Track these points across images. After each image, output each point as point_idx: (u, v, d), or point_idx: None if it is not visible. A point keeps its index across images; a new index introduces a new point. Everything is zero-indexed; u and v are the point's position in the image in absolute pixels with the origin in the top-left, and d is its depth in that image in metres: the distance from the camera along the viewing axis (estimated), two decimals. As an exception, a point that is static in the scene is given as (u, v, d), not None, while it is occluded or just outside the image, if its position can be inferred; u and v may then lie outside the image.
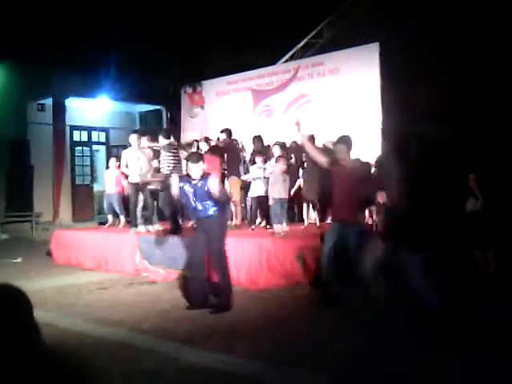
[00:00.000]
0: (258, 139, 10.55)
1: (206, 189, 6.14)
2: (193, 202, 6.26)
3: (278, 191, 8.96)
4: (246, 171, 10.30)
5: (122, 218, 10.93)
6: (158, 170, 9.58)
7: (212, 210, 6.21)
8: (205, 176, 6.24)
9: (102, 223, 12.07)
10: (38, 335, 1.42)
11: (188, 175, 6.34)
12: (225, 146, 10.31)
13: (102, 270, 9.23)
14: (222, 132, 10.67)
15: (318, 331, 5.31)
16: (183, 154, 9.33)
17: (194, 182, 6.23)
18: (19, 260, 10.21)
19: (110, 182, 11.30)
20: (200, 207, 6.23)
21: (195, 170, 6.19)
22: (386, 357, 4.42)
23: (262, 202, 9.62)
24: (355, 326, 5.45)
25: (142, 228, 9.63)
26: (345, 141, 6.34)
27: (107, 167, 12.02)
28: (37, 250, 11.71)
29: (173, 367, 4.30)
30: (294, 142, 10.70)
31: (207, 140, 10.72)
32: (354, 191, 6.10)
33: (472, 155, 9.06)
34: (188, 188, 6.27)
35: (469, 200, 8.14)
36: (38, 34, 13.67)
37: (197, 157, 6.39)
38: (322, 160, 6.63)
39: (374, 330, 5.24)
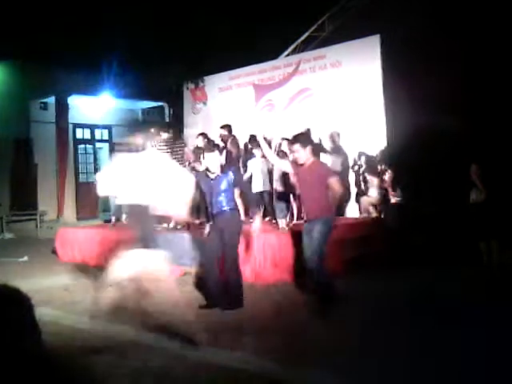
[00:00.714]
0: (254, 139, 10.49)
1: (225, 183, 6.12)
2: (209, 197, 6.23)
3: (283, 186, 8.95)
4: (244, 166, 10.24)
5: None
6: None
7: (228, 206, 6.13)
8: (225, 169, 6.25)
9: (107, 221, 12.08)
10: (36, 336, 1.36)
11: (206, 169, 6.31)
12: (225, 142, 10.27)
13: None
14: (222, 128, 10.62)
15: (326, 326, 5.30)
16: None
17: (212, 176, 6.21)
18: (25, 259, 10.22)
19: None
20: (216, 202, 6.16)
21: (213, 162, 6.20)
22: (395, 352, 4.42)
23: (264, 197, 9.61)
24: (363, 320, 5.45)
25: None
26: (299, 140, 6.24)
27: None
28: (42, 248, 11.72)
29: (182, 365, 4.30)
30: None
31: (206, 137, 10.48)
32: (314, 189, 5.98)
33: (475, 146, 9.04)
34: (205, 182, 6.26)
35: (472, 191, 8.12)
36: (39, 33, 13.65)
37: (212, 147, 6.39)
38: (285, 165, 6.74)
39: (381, 326, 5.25)
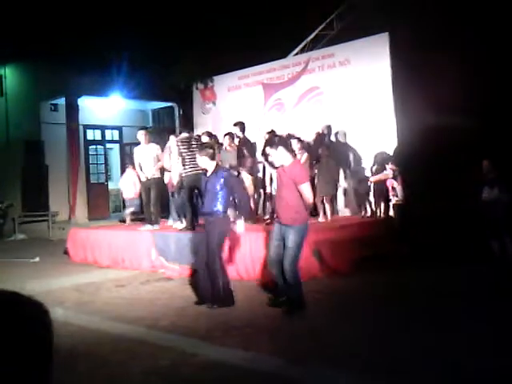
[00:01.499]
0: (272, 134, 10.46)
1: (217, 184, 6.16)
2: (202, 198, 6.38)
3: None
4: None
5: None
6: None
7: (217, 207, 6.18)
8: (218, 170, 6.28)
9: (122, 221, 12.15)
10: (49, 363, 1.08)
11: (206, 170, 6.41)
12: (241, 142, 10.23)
13: (119, 268, 9.30)
14: (235, 125, 10.40)
15: (335, 325, 5.31)
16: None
17: (207, 176, 6.31)
18: (37, 259, 10.30)
19: (127, 187, 11.50)
20: (206, 202, 6.27)
21: (205, 163, 6.30)
22: (405, 350, 4.42)
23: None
24: (372, 319, 5.45)
25: (150, 226, 9.69)
26: (275, 144, 6.21)
27: (122, 172, 12.02)
28: (54, 249, 11.82)
29: (191, 363, 4.32)
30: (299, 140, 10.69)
31: (210, 135, 10.27)
32: (288, 192, 5.86)
33: (487, 144, 8.99)
34: (203, 181, 6.38)
35: (484, 188, 8.07)
36: (50, 35, 13.75)
37: (203, 149, 6.43)
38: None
39: (390, 323, 5.25)
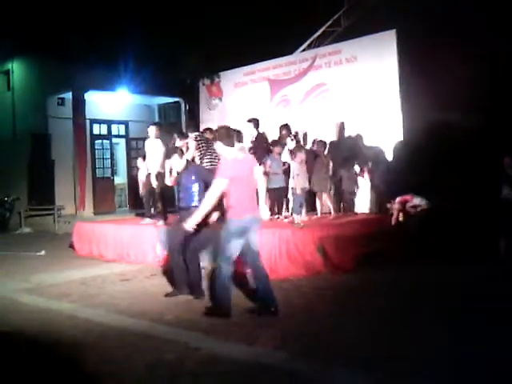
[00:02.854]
0: (285, 128, 10.46)
1: (190, 179, 6.35)
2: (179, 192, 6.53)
3: (303, 181, 8.96)
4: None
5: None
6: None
7: (192, 202, 6.32)
8: (189, 166, 6.56)
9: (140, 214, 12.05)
10: None
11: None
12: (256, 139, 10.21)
13: (124, 262, 9.33)
14: (248, 122, 10.24)
15: (339, 320, 5.32)
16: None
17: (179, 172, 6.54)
18: (43, 253, 10.35)
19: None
20: (184, 197, 6.42)
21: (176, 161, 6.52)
22: (408, 347, 4.43)
23: (282, 193, 9.64)
24: (375, 315, 5.46)
25: (149, 220, 9.91)
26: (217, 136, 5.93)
27: (128, 167, 11.91)
28: (59, 242, 11.88)
29: (195, 357, 4.34)
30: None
31: (211, 131, 10.32)
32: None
33: (496, 141, 8.95)
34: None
35: (504, 186, 8.00)
36: (56, 29, 13.78)
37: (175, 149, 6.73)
38: None
39: (393, 320, 5.26)
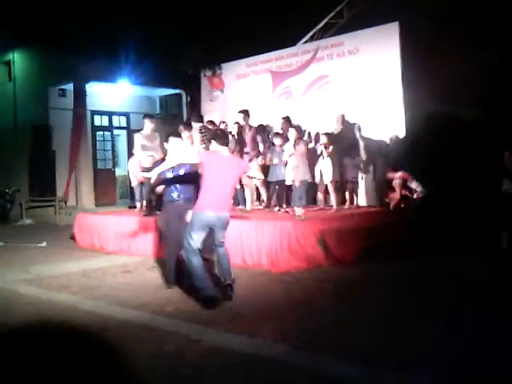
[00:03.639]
0: (286, 120, 10.51)
1: (180, 173, 6.32)
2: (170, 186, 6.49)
3: (303, 173, 8.92)
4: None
5: None
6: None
7: (182, 195, 6.36)
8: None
9: (132, 207, 12.11)
10: None
11: None
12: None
13: (125, 254, 9.34)
14: (239, 113, 10.58)
15: (339, 314, 5.32)
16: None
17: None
18: (44, 244, 10.36)
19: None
20: (174, 191, 6.41)
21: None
22: (407, 341, 4.43)
23: (282, 185, 9.62)
24: (376, 308, 5.47)
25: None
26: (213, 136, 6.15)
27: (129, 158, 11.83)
28: (60, 234, 11.88)
29: (196, 349, 4.34)
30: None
31: (213, 124, 10.34)
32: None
33: (499, 135, 8.92)
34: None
35: (504, 180, 7.98)
36: (58, 20, 13.72)
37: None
38: None
39: (394, 313, 5.26)
